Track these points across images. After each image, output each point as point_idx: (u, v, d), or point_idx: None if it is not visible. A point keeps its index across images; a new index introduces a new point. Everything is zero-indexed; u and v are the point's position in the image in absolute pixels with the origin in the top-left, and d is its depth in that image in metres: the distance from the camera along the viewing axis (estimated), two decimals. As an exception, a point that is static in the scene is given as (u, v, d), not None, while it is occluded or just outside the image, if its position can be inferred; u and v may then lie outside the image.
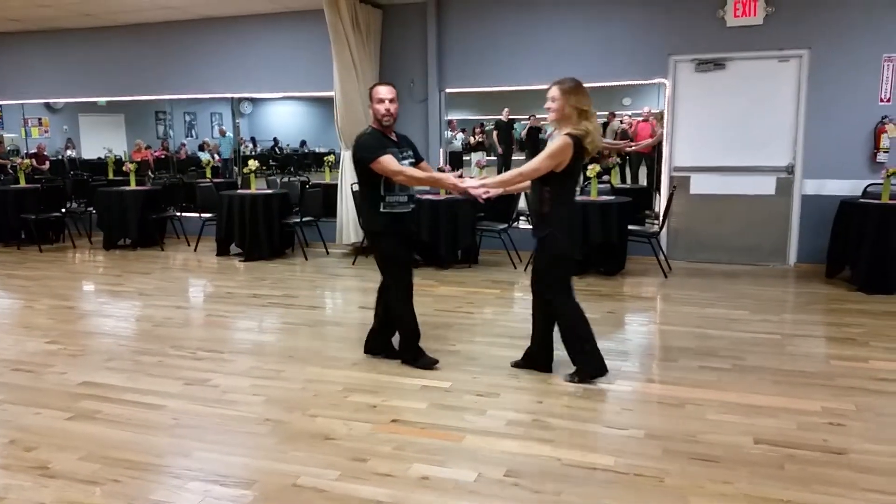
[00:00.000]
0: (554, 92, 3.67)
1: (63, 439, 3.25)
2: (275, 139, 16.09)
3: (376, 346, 4.40)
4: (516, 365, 4.15)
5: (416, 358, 4.21)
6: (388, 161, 3.84)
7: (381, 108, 3.94)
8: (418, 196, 7.19)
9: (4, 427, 3.42)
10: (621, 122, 10.54)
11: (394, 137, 4.06)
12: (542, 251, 3.86)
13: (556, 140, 3.65)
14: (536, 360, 4.08)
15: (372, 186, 3.99)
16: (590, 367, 3.91)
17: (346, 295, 6.54)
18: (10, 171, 10.19)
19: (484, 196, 3.78)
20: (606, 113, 10.20)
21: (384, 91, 3.97)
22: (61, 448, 3.15)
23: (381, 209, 4.00)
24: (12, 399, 3.78)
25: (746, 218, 7.22)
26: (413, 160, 4.13)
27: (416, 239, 3.73)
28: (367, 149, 3.91)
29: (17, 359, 4.48)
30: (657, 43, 7.22)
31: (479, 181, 3.87)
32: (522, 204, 7.45)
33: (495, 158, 11.42)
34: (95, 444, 3.20)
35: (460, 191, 3.86)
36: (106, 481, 2.85)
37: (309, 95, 9.37)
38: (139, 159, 11.12)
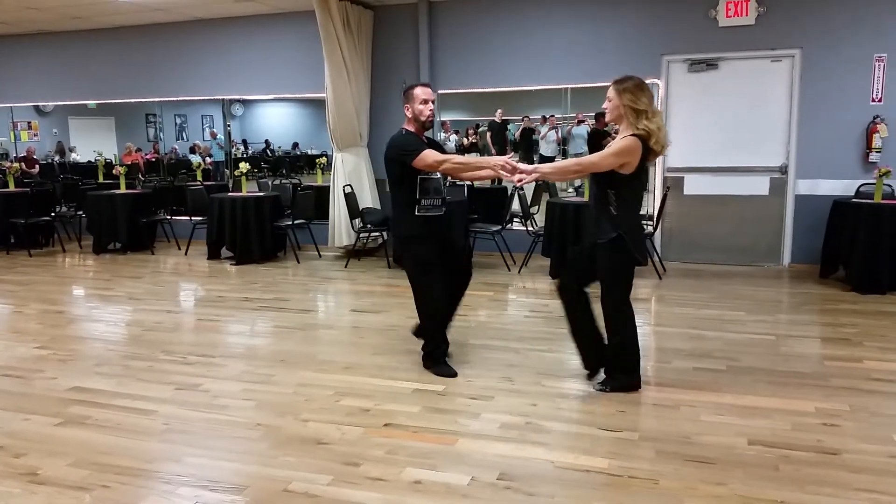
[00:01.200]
0: (609, 91, 3.57)
1: (52, 445, 3.22)
2: (266, 141, 16.04)
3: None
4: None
5: (436, 364, 4.13)
6: (430, 154, 3.81)
7: (426, 108, 3.90)
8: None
9: (-7, 433, 3.38)
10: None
11: (424, 139, 4.02)
12: (606, 254, 3.66)
13: (622, 139, 3.51)
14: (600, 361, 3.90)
15: (407, 190, 3.93)
16: (625, 377, 3.79)
17: (338, 298, 6.51)
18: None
19: (527, 181, 3.68)
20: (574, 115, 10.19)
21: (427, 92, 3.94)
22: (51, 454, 3.12)
23: (416, 212, 3.95)
24: (1, 405, 3.73)
25: (740, 218, 7.23)
26: None
27: (451, 246, 3.65)
28: (406, 147, 3.88)
29: (5, 364, 4.43)
30: (650, 43, 7.23)
31: (533, 167, 3.73)
32: (516, 205, 7.44)
33: (488, 160, 11.40)
34: (85, 449, 3.16)
35: (513, 172, 3.71)
36: (96, 487, 2.81)
37: (300, 97, 9.37)
38: (129, 162, 11.07)
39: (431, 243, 3.99)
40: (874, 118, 6.65)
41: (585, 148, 10.15)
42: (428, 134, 4.12)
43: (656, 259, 6.91)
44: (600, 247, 3.66)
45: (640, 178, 3.63)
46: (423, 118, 3.91)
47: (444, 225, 4.07)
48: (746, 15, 6.84)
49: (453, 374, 4.06)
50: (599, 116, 9.32)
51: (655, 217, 7.00)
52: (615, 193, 3.57)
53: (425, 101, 3.90)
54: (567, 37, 7.52)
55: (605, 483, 2.80)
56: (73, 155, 12.66)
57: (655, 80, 7.31)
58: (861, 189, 6.54)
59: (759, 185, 7.14)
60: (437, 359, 4.14)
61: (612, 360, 3.82)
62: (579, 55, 7.44)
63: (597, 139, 9.40)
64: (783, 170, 7.05)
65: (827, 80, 6.77)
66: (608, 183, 3.57)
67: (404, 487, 2.79)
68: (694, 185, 7.34)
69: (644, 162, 3.56)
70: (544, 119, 10.62)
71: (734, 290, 6.21)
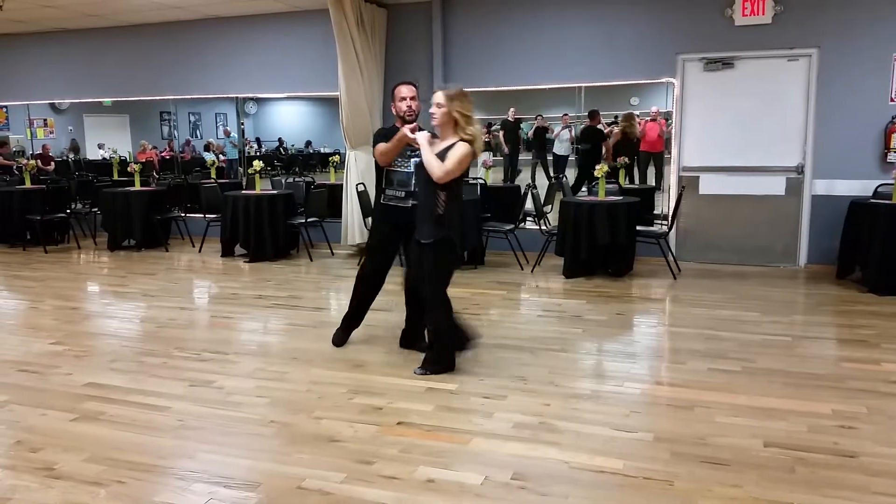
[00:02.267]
0: (439, 98, 3.83)
1: (68, 440, 3.24)
2: (280, 139, 16.07)
3: (408, 340, 4.57)
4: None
5: (337, 331, 4.67)
6: (377, 148, 4.18)
7: (403, 105, 4.21)
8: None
9: (11, 427, 3.41)
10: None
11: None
12: (433, 252, 3.91)
13: (460, 146, 3.77)
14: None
15: (378, 178, 4.38)
16: (444, 362, 4.06)
17: (350, 296, 6.49)
18: (16, 172, 10.20)
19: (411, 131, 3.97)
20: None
21: (409, 90, 4.24)
22: (66, 449, 3.14)
23: (381, 200, 4.36)
24: (18, 400, 3.77)
25: (756, 218, 7.17)
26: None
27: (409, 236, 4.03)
28: (374, 139, 4.30)
29: (22, 360, 4.47)
30: (665, 42, 7.18)
31: (423, 136, 3.96)
32: (529, 204, 7.41)
33: (502, 158, 11.38)
34: (100, 445, 3.18)
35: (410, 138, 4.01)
36: (111, 483, 2.83)
37: (314, 95, 9.39)
38: (144, 160, 11.13)
39: (383, 228, 4.37)
40: (892, 118, 6.57)
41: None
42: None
43: (671, 259, 6.87)
44: (428, 246, 3.89)
45: (462, 179, 3.97)
46: (401, 114, 4.22)
47: (404, 216, 4.24)
48: (763, 14, 6.78)
49: (337, 343, 4.64)
50: (594, 114, 9.26)
51: (670, 217, 6.96)
52: (446, 194, 3.82)
53: (403, 99, 4.21)
54: (581, 35, 7.48)
55: (620, 484, 2.79)
56: (101, 152, 12.65)
57: (671, 79, 7.26)
58: (879, 189, 6.46)
59: (776, 185, 7.07)
60: (341, 325, 4.69)
61: (434, 344, 4.10)
62: (594, 54, 7.41)
63: (592, 137, 9.36)
64: (799, 170, 6.99)
65: (844, 79, 6.70)
66: (441, 185, 3.78)
67: (417, 486, 2.78)
68: (709, 185, 7.28)
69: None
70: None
71: (749, 290, 6.16)
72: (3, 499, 2.71)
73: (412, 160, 4.21)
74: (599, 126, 9.48)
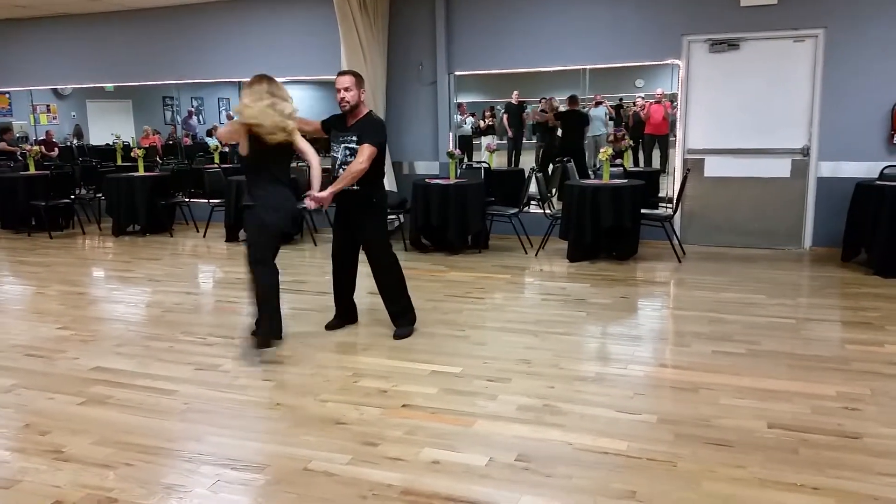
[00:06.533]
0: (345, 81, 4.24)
1: (76, 424, 3.27)
2: (283, 124, 16.04)
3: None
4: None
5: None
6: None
7: (338, 96, 4.29)
8: (427, 181, 7.19)
9: (19, 411, 3.44)
10: (634, 104, 10.44)
11: (347, 121, 4.36)
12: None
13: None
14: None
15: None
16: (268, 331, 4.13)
17: (355, 280, 6.50)
18: (20, 158, 10.21)
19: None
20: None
21: (337, 81, 4.30)
22: (74, 432, 3.17)
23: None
24: (26, 384, 3.80)
25: (761, 201, 7.14)
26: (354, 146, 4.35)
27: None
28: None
29: (29, 344, 4.50)
30: (670, 23, 7.11)
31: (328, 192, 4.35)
32: (533, 188, 7.40)
33: (505, 142, 11.36)
34: (108, 428, 3.21)
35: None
36: (119, 465, 2.85)
37: (316, 79, 9.36)
38: (147, 145, 11.12)
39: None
40: (899, 99, 6.53)
41: (604, 130, 10.09)
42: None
43: (676, 242, 6.85)
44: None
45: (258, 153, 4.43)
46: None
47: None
48: (769, -6, 6.72)
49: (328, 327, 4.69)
50: (573, 99, 9.23)
51: (675, 199, 6.93)
52: None
53: (337, 90, 4.26)
54: (586, 17, 7.42)
55: (624, 465, 2.80)
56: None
57: (676, 61, 7.21)
58: (885, 171, 6.43)
59: (781, 168, 7.04)
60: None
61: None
62: (598, 36, 7.35)
63: (574, 119, 9.36)
64: (805, 152, 6.95)
65: (851, 60, 6.64)
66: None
67: (423, 467, 2.80)
68: (714, 167, 7.25)
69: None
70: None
71: (754, 273, 6.15)
72: (13, 481, 2.75)
73: (342, 146, 4.37)
74: (578, 109, 9.46)
